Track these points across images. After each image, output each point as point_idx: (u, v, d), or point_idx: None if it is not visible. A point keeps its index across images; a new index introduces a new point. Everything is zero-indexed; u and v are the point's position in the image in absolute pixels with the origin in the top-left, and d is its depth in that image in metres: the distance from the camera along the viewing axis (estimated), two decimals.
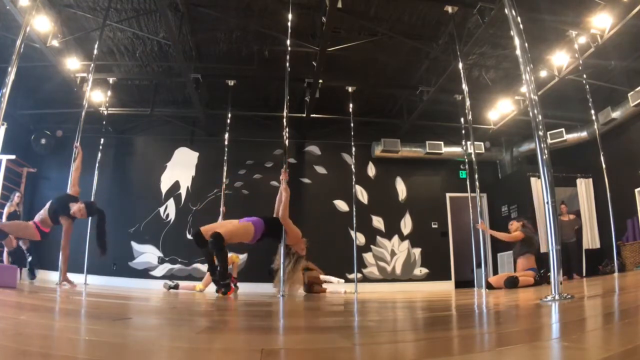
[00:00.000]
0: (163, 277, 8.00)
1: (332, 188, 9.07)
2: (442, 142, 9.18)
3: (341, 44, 6.70)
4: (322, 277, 6.46)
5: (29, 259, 5.65)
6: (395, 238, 9.15)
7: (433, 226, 9.35)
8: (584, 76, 6.39)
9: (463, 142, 7.39)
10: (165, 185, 8.91)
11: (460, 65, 5.90)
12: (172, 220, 8.72)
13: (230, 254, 7.04)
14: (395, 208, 9.32)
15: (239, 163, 8.91)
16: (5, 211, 6.93)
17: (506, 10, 2.81)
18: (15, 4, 5.37)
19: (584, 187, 8.36)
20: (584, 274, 7.60)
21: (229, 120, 7.54)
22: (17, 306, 1.78)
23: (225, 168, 7.28)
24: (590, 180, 8.33)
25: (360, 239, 8.80)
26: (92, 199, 6.26)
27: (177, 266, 8.40)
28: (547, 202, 2.35)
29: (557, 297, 2.12)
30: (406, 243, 9.16)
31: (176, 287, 6.40)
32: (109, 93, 7.67)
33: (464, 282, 9.09)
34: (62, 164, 7.59)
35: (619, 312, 1.55)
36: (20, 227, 4.56)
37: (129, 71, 8.04)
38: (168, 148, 9.13)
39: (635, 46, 6.74)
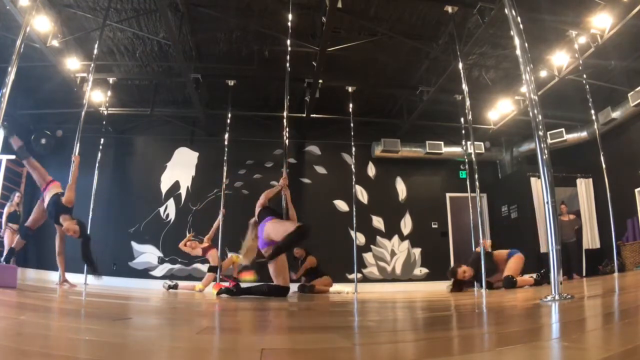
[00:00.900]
0: (163, 277, 8.00)
1: (332, 188, 9.07)
2: (442, 142, 9.18)
3: (341, 44, 6.70)
4: (332, 289, 6.45)
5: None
6: (395, 238, 9.15)
7: (433, 226, 9.35)
8: (584, 76, 6.39)
9: (463, 142, 7.39)
10: (165, 185, 8.91)
11: (460, 65, 5.90)
12: (172, 220, 8.72)
13: (230, 254, 7.07)
14: (395, 208, 9.33)
15: (239, 163, 8.91)
16: (5, 211, 6.93)
17: (506, 10, 2.81)
18: (15, 4, 5.36)
19: (584, 187, 8.36)
20: (584, 274, 7.60)
21: (229, 120, 7.54)
22: (17, 306, 1.78)
23: (225, 168, 7.28)
24: (590, 180, 8.33)
25: (360, 239, 8.80)
26: (91, 203, 6.26)
27: (177, 266, 8.40)
28: (547, 202, 2.35)
29: (557, 297, 2.12)
30: (406, 243, 9.16)
31: (175, 287, 6.40)
32: (109, 93, 7.67)
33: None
34: (62, 164, 7.58)
35: (619, 312, 1.55)
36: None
37: (129, 71, 8.04)
38: (168, 148, 9.13)
39: (635, 46, 6.74)
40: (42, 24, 6.08)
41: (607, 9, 5.78)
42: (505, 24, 3.17)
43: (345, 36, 6.77)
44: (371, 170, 9.47)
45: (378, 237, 9.09)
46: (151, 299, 3.33)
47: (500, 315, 1.87)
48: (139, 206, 8.72)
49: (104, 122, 7.90)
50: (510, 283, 5.34)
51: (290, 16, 5.54)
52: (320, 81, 7.31)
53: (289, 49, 5.32)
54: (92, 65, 5.75)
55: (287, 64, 5.17)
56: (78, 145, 5.16)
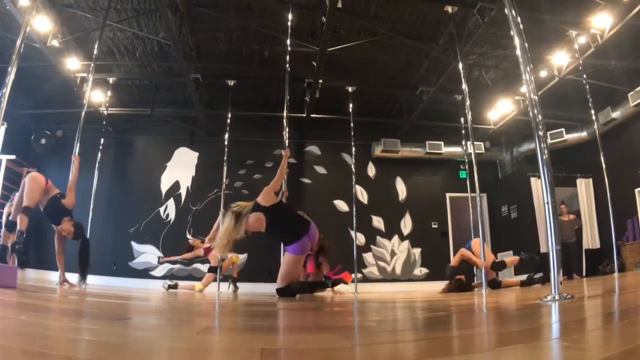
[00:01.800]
0: (163, 277, 8.00)
1: (332, 188, 9.07)
2: (442, 142, 9.18)
3: (341, 44, 6.70)
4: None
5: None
6: (395, 238, 9.15)
7: (433, 226, 9.35)
8: (584, 76, 6.39)
9: (463, 142, 7.39)
10: (165, 185, 8.91)
11: (460, 65, 5.90)
12: (172, 220, 8.72)
13: (230, 254, 7.06)
14: (395, 208, 9.33)
15: (239, 163, 8.91)
16: (5, 211, 6.92)
17: (506, 10, 2.81)
18: (15, 4, 5.37)
19: (584, 187, 8.36)
20: (584, 274, 7.60)
21: (229, 120, 7.54)
22: (17, 306, 1.78)
23: (225, 168, 7.28)
24: (590, 180, 8.33)
25: (360, 239, 8.80)
26: (91, 203, 6.25)
27: (177, 266, 8.40)
28: (547, 202, 2.35)
29: (557, 297, 2.11)
30: (406, 243, 9.16)
31: (175, 286, 6.40)
32: (109, 93, 7.67)
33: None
34: (62, 164, 7.58)
35: (619, 312, 1.56)
36: None
37: (129, 71, 8.04)
38: (168, 148, 9.13)
39: (635, 46, 6.75)
40: (42, 24, 6.08)
41: (607, 9, 5.78)
42: (505, 24, 3.17)
43: (345, 36, 6.77)
44: (371, 170, 9.47)
45: (378, 237, 9.09)
46: (151, 299, 3.33)
47: (500, 315, 1.87)
48: (139, 206, 8.72)
49: (104, 122, 7.90)
50: (495, 284, 5.39)
51: (290, 16, 5.54)
52: (320, 81, 7.31)
53: (289, 49, 5.33)
54: (92, 65, 5.75)
55: (287, 64, 5.18)
56: (78, 145, 5.16)
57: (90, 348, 0.88)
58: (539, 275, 5.57)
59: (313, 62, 6.80)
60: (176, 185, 8.93)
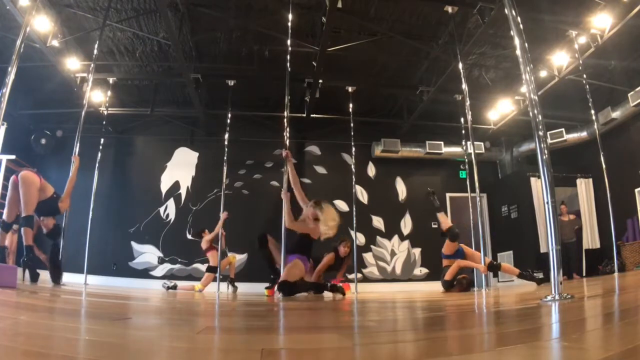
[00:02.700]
0: (163, 277, 8.00)
1: (332, 188, 9.05)
2: (442, 142, 9.18)
3: (341, 44, 6.70)
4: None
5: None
6: (395, 238, 9.15)
7: (433, 226, 9.34)
8: (584, 76, 6.39)
9: (463, 142, 7.39)
10: (165, 185, 8.91)
11: (460, 65, 5.90)
12: (172, 220, 8.72)
13: (229, 255, 7.07)
14: (395, 208, 9.32)
15: (239, 163, 8.91)
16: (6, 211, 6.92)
17: (506, 10, 2.81)
18: (15, 4, 5.36)
19: (584, 187, 8.35)
20: (584, 274, 7.60)
21: (229, 120, 7.54)
22: (17, 306, 1.78)
23: (225, 168, 7.27)
24: (590, 180, 8.33)
25: (360, 239, 8.80)
26: (91, 203, 6.24)
27: (177, 266, 8.40)
28: (547, 202, 2.34)
29: (557, 297, 2.11)
30: (406, 243, 9.16)
31: (174, 287, 6.40)
32: (109, 93, 7.67)
33: None
34: (62, 164, 7.58)
35: (619, 312, 1.55)
36: None
37: (129, 71, 8.04)
38: (168, 148, 9.13)
39: (635, 46, 6.75)
40: (42, 24, 6.08)
41: (607, 9, 5.78)
42: (505, 24, 3.18)
43: (345, 36, 6.77)
44: (371, 170, 9.47)
45: (378, 237, 9.09)
46: (151, 299, 3.33)
47: (500, 315, 1.87)
48: (139, 206, 8.72)
49: (104, 122, 7.88)
50: (494, 267, 5.54)
51: (290, 16, 5.54)
52: (320, 81, 7.31)
53: (289, 49, 5.32)
54: (92, 65, 5.76)
55: (287, 64, 5.17)
56: (78, 145, 5.16)
57: (90, 348, 0.88)
58: (538, 274, 5.61)
59: (313, 62, 6.80)
60: (176, 185, 8.93)
